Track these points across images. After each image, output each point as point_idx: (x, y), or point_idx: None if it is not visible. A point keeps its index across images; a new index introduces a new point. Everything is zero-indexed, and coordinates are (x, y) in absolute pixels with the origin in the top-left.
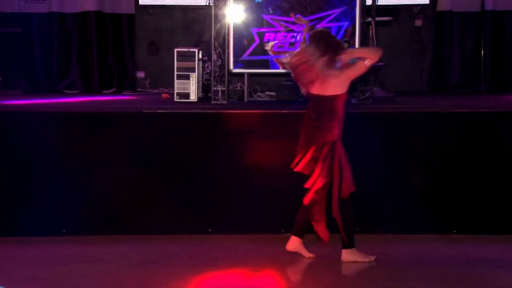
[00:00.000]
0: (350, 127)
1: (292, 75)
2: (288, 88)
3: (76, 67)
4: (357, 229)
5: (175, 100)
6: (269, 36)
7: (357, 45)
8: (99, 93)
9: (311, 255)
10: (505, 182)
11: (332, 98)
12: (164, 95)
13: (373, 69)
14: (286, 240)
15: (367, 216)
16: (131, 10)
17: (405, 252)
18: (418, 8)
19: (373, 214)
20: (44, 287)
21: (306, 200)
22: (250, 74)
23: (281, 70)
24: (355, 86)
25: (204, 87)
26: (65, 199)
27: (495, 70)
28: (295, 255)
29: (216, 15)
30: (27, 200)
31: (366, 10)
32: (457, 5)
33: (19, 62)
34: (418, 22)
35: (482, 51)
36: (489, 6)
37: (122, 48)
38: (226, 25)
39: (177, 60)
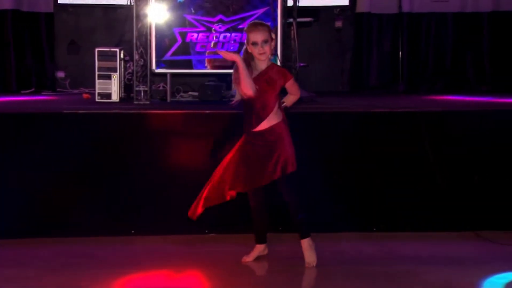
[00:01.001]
0: None
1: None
2: (211, 88)
3: None
4: (280, 228)
5: (97, 100)
6: (191, 36)
7: (279, 45)
8: (17, 93)
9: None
10: (423, 181)
11: None
12: (85, 95)
13: (294, 69)
14: (210, 240)
15: (288, 215)
16: (50, 8)
17: (326, 250)
18: (338, 9)
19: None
20: None
21: None
22: (172, 74)
23: (204, 70)
24: None
25: (126, 87)
26: None
27: (413, 70)
28: (216, 255)
29: (137, 15)
30: None
31: (288, 11)
32: (376, 7)
33: None
34: (338, 23)
35: (400, 52)
36: (406, 8)
37: (41, 47)
38: (148, 25)
39: (98, 60)
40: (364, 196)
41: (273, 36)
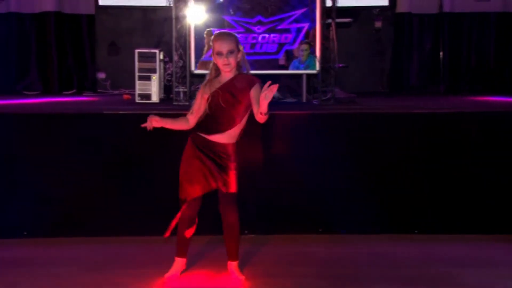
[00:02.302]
0: (312, 128)
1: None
2: None
3: (35, 68)
4: (320, 230)
5: (137, 101)
6: None
7: (317, 46)
8: (59, 94)
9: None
10: (464, 182)
11: None
12: (125, 96)
13: (332, 70)
14: (247, 240)
15: (327, 216)
16: (91, 10)
17: (364, 252)
18: (377, 9)
19: (333, 214)
20: None
21: None
22: None
23: None
24: (316, 87)
25: (166, 88)
26: (23, 201)
27: (453, 71)
28: (256, 256)
29: (177, 16)
30: None
31: (326, 12)
32: (416, 7)
33: None
34: (378, 24)
35: (441, 53)
36: (447, 8)
37: (82, 48)
38: (187, 26)
39: (138, 61)
40: (405, 197)
41: (241, 47)
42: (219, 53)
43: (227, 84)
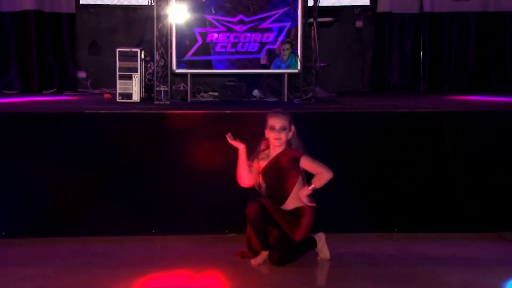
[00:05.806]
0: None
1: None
2: (231, 88)
3: (15, 66)
4: None
5: (118, 100)
6: (212, 36)
7: (299, 46)
8: (39, 93)
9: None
10: (444, 181)
11: None
12: (106, 96)
13: (314, 69)
14: (230, 240)
15: None
16: (71, 9)
17: (346, 251)
18: (358, 9)
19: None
20: None
21: None
22: (193, 75)
23: (224, 71)
24: (297, 86)
25: (147, 88)
26: (2, 201)
27: (434, 71)
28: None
29: (158, 15)
30: None
31: (308, 11)
32: (397, 7)
33: None
34: (359, 23)
35: (421, 52)
36: (427, 7)
37: (63, 47)
38: (169, 25)
39: (119, 60)
40: (384, 196)
41: (293, 128)
42: (272, 128)
43: (274, 161)
